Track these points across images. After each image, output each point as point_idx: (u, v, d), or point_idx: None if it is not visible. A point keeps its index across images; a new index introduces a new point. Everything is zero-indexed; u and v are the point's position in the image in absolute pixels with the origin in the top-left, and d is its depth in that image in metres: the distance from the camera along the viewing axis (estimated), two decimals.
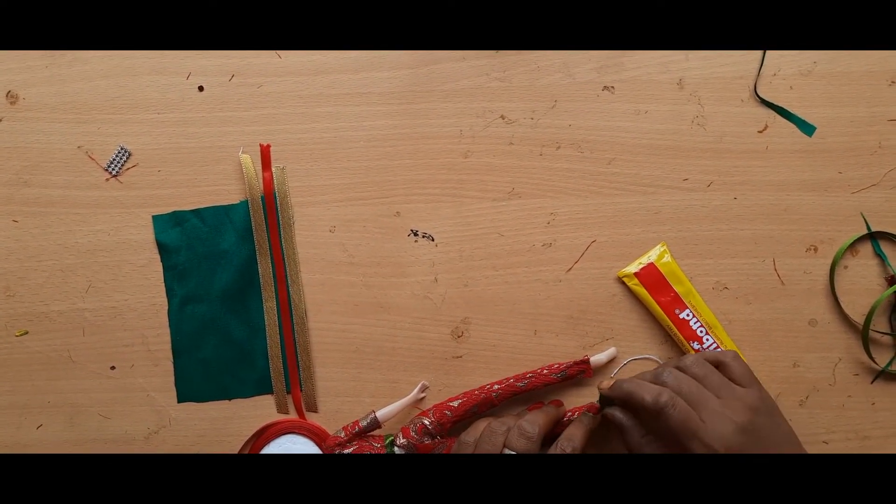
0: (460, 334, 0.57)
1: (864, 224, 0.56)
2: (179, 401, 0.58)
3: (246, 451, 0.58)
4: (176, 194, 0.57)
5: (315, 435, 0.57)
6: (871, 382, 0.56)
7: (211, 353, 0.58)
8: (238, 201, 0.57)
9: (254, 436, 0.58)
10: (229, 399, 0.58)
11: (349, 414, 0.57)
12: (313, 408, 0.58)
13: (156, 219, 0.58)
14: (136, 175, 0.58)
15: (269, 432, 0.57)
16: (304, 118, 0.57)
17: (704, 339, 0.54)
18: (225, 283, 0.57)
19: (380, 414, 0.54)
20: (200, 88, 0.57)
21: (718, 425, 0.46)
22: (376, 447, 0.53)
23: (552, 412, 0.53)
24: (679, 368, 0.50)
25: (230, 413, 0.58)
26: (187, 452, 0.58)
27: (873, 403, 0.56)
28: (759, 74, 0.56)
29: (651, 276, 0.55)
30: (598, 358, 0.55)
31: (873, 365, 0.56)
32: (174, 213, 0.57)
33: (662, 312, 0.55)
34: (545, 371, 0.55)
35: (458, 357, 0.57)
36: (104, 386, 0.58)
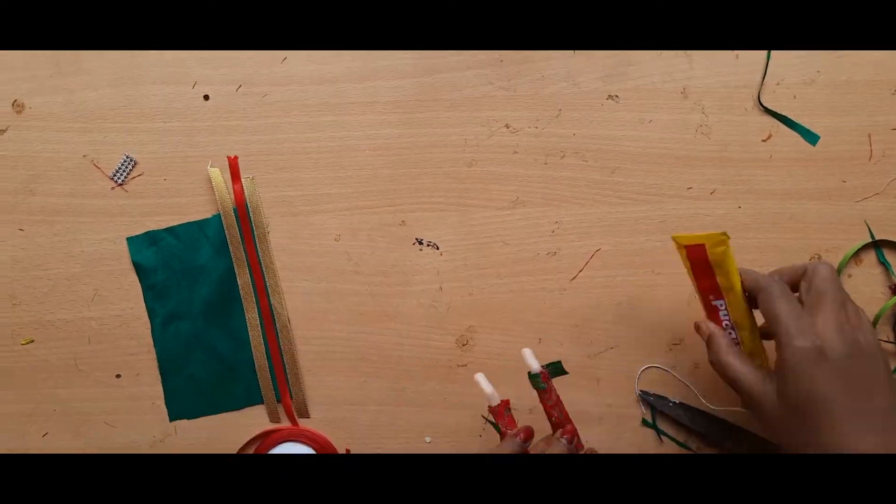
0: (465, 343, 0.57)
1: (868, 232, 0.56)
2: (171, 419, 0.58)
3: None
4: (181, 203, 0.58)
5: (314, 441, 0.57)
6: None
7: (199, 369, 0.58)
8: (211, 215, 0.57)
9: (252, 441, 0.58)
10: (220, 413, 0.58)
11: (354, 422, 0.57)
12: (305, 414, 0.58)
13: (130, 240, 0.58)
14: (142, 184, 0.58)
15: (268, 441, 0.57)
16: (309, 127, 0.57)
17: (728, 332, 0.51)
18: (205, 297, 0.57)
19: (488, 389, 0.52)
20: (206, 97, 0.57)
21: (840, 333, 0.44)
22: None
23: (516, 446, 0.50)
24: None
25: (235, 421, 0.58)
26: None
27: None
28: (762, 83, 0.56)
29: (699, 257, 0.50)
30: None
31: None
32: (148, 233, 0.58)
33: (697, 287, 0.51)
34: None
35: (463, 365, 0.57)
36: (110, 394, 0.58)
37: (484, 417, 0.54)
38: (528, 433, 0.50)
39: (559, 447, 0.49)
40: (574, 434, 0.51)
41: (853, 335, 0.44)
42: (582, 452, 0.51)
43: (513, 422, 0.52)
